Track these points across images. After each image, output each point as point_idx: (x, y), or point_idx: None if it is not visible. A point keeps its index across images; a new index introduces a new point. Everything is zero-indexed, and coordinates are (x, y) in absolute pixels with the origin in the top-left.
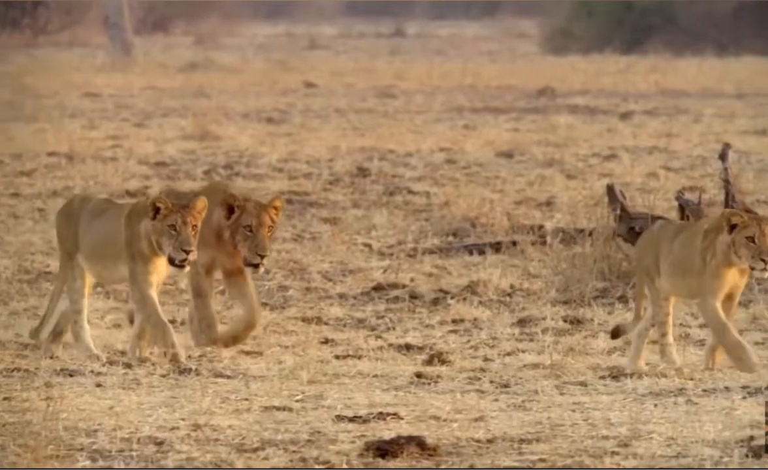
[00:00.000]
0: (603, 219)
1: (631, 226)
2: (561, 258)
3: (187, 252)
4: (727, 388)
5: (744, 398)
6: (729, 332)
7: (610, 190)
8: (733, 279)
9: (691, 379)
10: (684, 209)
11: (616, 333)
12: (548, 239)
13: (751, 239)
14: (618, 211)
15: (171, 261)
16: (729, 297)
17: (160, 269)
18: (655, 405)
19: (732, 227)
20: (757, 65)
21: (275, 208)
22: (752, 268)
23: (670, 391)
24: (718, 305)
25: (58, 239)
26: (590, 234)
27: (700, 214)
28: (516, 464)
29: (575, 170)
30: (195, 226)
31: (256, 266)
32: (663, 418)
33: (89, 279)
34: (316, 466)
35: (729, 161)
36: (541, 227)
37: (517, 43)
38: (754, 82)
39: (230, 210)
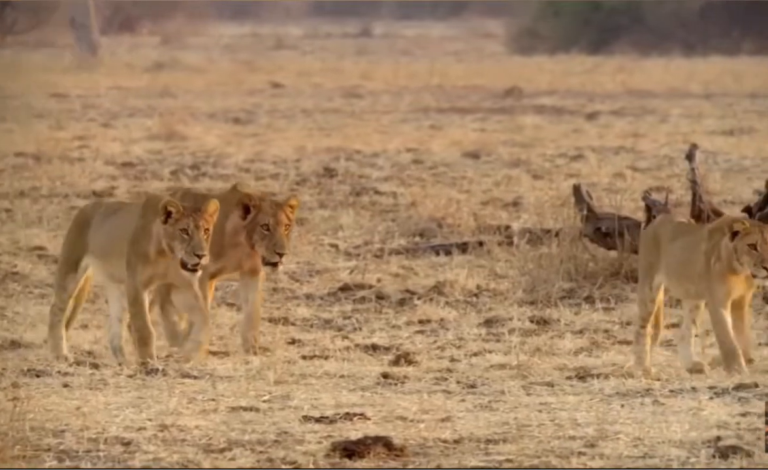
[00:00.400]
0: (570, 219)
1: (598, 227)
2: (528, 259)
3: (200, 257)
4: (693, 389)
5: (711, 398)
6: (730, 340)
7: (576, 190)
8: (739, 283)
9: (658, 380)
10: (651, 210)
11: None
12: (515, 239)
13: (753, 246)
14: (585, 212)
15: (183, 266)
16: (738, 305)
17: (161, 271)
18: (622, 406)
19: (734, 234)
20: (724, 65)
21: (291, 207)
22: (754, 276)
23: (636, 392)
24: (726, 313)
25: (63, 248)
26: (557, 234)
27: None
28: (483, 464)
29: (542, 170)
30: (207, 229)
31: (274, 265)
32: (630, 419)
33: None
34: (283, 466)
35: (696, 161)
36: (507, 227)
37: (484, 43)
38: (721, 82)
39: (246, 210)
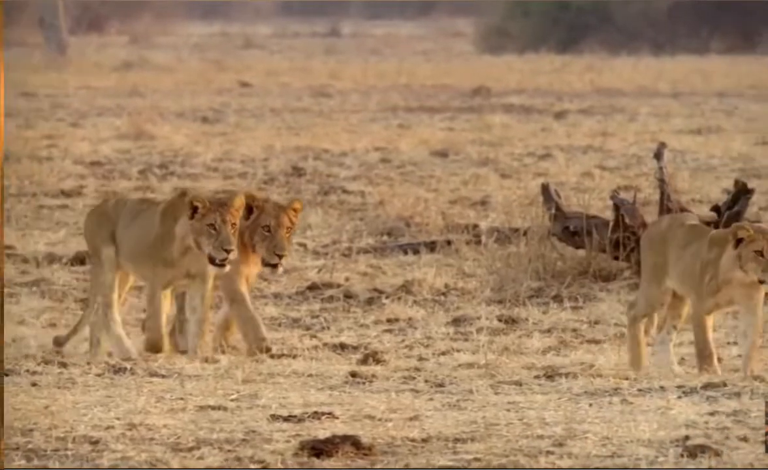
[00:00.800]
0: (538, 218)
1: (566, 226)
2: (496, 258)
3: (228, 252)
4: (662, 388)
5: (679, 398)
6: (708, 342)
7: (544, 189)
8: (732, 294)
9: (626, 379)
10: (619, 209)
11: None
12: (483, 238)
13: (760, 253)
14: (553, 211)
15: (212, 261)
16: (749, 312)
17: (182, 271)
18: (590, 405)
19: (738, 241)
20: (692, 64)
21: (294, 210)
22: (761, 282)
23: (605, 391)
24: (709, 319)
25: (87, 241)
26: (525, 233)
27: (635, 213)
28: (451, 463)
29: (510, 169)
30: (234, 224)
31: (274, 266)
32: (598, 418)
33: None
34: (251, 465)
35: (664, 160)
36: (475, 226)
37: (453, 42)
38: (689, 81)
39: (249, 210)
